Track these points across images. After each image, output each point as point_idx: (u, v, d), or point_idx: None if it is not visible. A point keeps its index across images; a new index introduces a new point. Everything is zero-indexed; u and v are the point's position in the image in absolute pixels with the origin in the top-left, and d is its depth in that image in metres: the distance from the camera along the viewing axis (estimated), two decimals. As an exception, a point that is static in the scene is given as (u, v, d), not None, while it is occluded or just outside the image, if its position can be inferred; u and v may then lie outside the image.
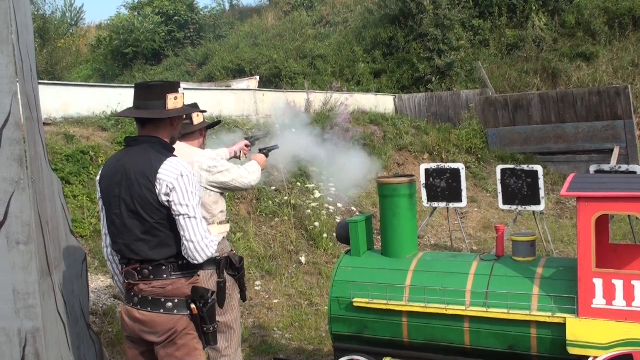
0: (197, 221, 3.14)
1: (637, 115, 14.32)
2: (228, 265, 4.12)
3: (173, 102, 3.24)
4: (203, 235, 3.15)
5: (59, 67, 23.81)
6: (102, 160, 8.20)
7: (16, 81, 3.37)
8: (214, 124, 4.76)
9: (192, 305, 3.19)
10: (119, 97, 9.84)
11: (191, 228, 3.12)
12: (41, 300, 3.45)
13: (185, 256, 3.17)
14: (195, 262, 3.17)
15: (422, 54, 18.43)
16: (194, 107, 4.26)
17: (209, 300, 3.21)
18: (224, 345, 4.25)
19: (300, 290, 7.80)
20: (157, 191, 3.10)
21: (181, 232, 3.14)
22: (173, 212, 3.12)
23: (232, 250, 4.29)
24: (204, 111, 4.10)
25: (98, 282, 6.47)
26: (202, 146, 4.37)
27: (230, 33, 24.42)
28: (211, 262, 3.95)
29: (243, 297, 4.36)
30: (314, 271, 8.33)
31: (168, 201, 3.11)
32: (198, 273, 3.41)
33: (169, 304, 3.17)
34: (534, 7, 18.52)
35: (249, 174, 4.23)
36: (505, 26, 18.74)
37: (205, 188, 4.05)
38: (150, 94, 3.22)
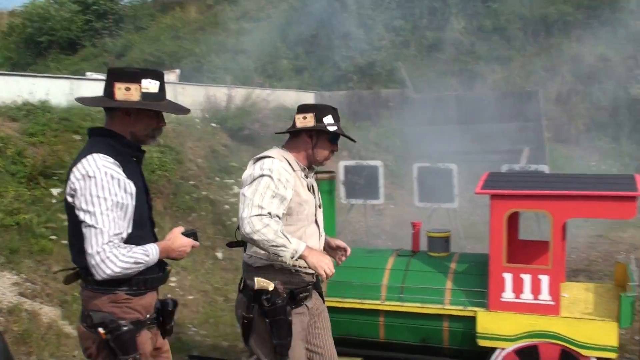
0: (97, 231, 2.67)
1: (546, 118, 14.92)
2: None
3: (123, 92, 2.77)
4: (102, 249, 2.66)
5: (-34, 54, 22.64)
6: (11, 152, 7.83)
7: None
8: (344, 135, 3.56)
9: (100, 329, 2.77)
10: (32, 87, 9.44)
11: (89, 238, 2.68)
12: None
13: None
14: (97, 278, 2.71)
15: (344, 52, 18.58)
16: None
17: (119, 330, 2.75)
18: None
19: (216, 286, 7.70)
20: (66, 191, 2.80)
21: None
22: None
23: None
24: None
25: (4, 279, 6.17)
26: (311, 157, 3.49)
27: (152, 25, 23.81)
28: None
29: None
30: (230, 267, 8.24)
31: (74, 203, 2.75)
32: (127, 294, 2.84)
33: (89, 319, 2.81)
34: (453, 11, 18.98)
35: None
36: (425, 28, 19.12)
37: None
38: (106, 81, 2.86)
